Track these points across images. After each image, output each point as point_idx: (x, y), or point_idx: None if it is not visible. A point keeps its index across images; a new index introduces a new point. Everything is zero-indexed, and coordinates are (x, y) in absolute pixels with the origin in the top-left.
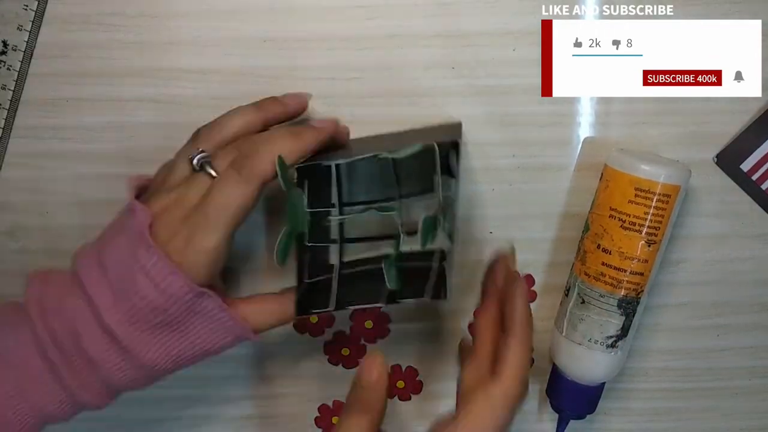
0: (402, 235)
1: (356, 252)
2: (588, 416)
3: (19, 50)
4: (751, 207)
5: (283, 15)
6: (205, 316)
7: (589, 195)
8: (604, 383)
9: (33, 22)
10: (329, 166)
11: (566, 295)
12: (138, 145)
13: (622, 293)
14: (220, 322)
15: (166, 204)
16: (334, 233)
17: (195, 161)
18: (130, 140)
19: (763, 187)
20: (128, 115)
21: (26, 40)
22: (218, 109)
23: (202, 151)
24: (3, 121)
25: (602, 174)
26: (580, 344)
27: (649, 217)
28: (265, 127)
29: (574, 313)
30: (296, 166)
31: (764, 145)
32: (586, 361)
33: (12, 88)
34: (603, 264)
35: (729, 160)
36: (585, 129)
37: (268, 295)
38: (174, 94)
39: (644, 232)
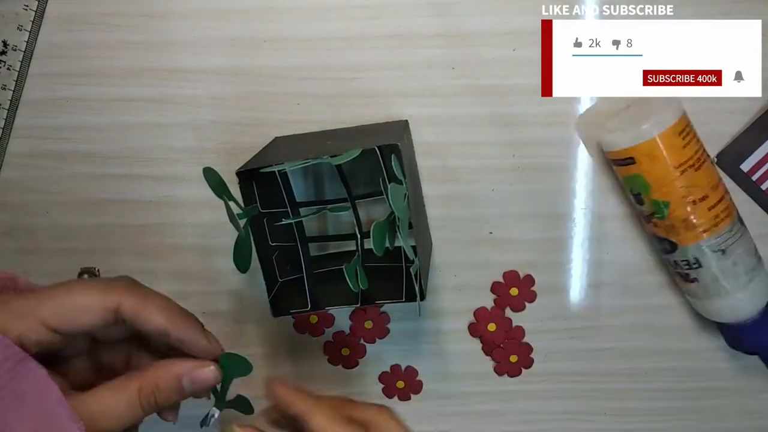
0: (360, 237)
1: (325, 250)
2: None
3: (19, 50)
4: (751, 207)
5: (283, 15)
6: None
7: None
8: None
9: (33, 22)
10: (272, 172)
11: (690, 280)
12: (138, 145)
13: (735, 213)
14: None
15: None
16: (295, 232)
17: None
18: (130, 140)
19: (763, 187)
20: (128, 115)
21: (26, 40)
22: (218, 109)
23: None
24: (3, 121)
25: (630, 158)
26: (750, 281)
27: (702, 142)
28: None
29: (724, 268)
30: (236, 171)
31: (764, 145)
32: (754, 297)
33: (12, 88)
34: (710, 209)
35: (729, 160)
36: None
37: (107, 385)
38: (174, 94)
39: (706, 156)
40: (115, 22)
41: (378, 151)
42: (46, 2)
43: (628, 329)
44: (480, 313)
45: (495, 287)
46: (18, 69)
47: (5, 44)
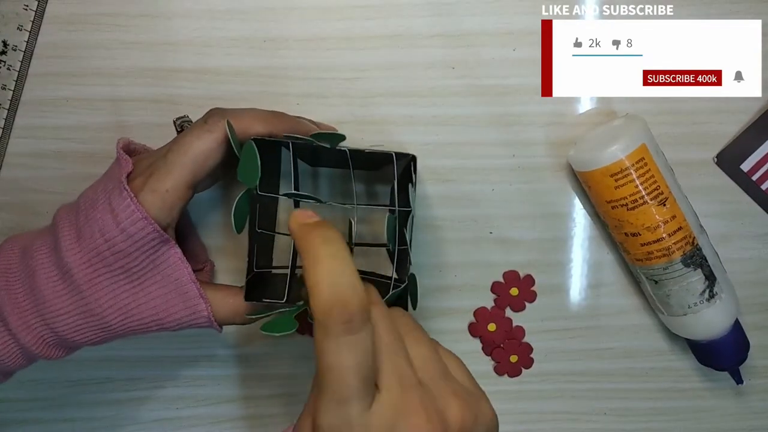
0: (354, 230)
1: None
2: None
3: (19, 50)
4: (751, 207)
5: (283, 15)
6: (163, 273)
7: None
8: (736, 319)
9: (33, 22)
10: (285, 143)
11: (638, 284)
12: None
13: (679, 255)
14: (176, 285)
15: (145, 158)
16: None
17: (177, 123)
18: None
19: (763, 187)
20: (128, 115)
21: (26, 40)
22: None
23: (185, 116)
24: (3, 121)
25: (578, 178)
26: (685, 314)
27: (640, 186)
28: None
29: (657, 294)
30: (252, 138)
31: (764, 145)
32: (703, 323)
33: (12, 88)
34: (642, 245)
35: (729, 160)
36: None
37: (236, 287)
38: (174, 94)
39: (648, 199)
40: (115, 22)
41: (394, 159)
42: (46, 2)
43: (628, 329)
44: (480, 313)
45: (495, 287)
46: (18, 69)
47: (5, 44)
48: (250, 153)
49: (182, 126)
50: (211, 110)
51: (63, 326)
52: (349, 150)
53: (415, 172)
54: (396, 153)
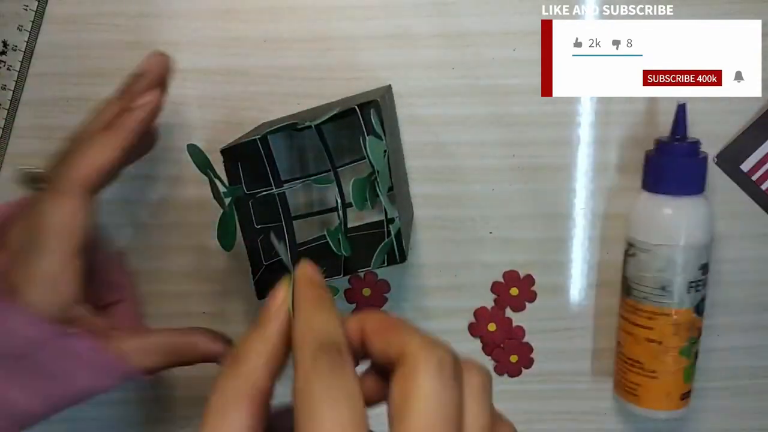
0: (339, 203)
1: (309, 228)
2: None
3: (19, 50)
4: (751, 207)
5: (283, 15)
6: (69, 356)
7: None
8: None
9: (33, 22)
10: (254, 141)
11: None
12: None
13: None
14: (86, 361)
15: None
16: (280, 211)
17: (25, 177)
18: None
19: (763, 187)
20: None
21: (26, 40)
22: (218, 109)
23: (32, 168)
24: (3, 121)
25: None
26: None
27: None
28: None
29: None
30: (220, 149)
31: (764, 145)
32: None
33: (12, 88)
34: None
35: (729, 160)
36: (585, 129)
37: (159, 328)
38: (174, 94)
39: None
40: (115, 22)
41: (358, 111)
42: (46, 2)
43: None
44: (480, 313)
45: (495, 287)
46: (18, 69)
47: (5, 44)
48: (224, 219)
49: (34, 181)
50: (53, 166)
51: None
52: (315, 125)
53: (381, 120)
54: (359, 105)
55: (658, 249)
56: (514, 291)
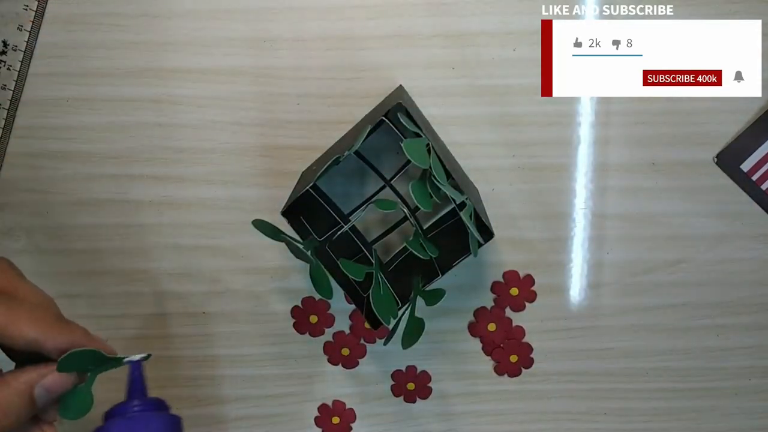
0: (408, 211)
1: (392, 246)
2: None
3: (19, 50)
4: (751, 207)
5: (283, 15)
6: None
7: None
8: None
9: (33, 22)
10: (308, 192)
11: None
12: (138, 145)
13: None
14: None
15: None
16: (357, 242)
17: None
18: (130, 140)
19: (763, 187)
20: (128, 115)
21: (26, 40)
22: (218, 109)
23: None
24: (3, 121)
25: None
26: None
27: None
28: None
29: None
30: (281, 211)
31: (764, 145)
32: None
33: (12, 88)
34: None
35: (729, 160)
36: (585, 129)
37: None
38: (174, 94)
39: None
40: (115, 22)
41: (388, 121)
42: (46, 2)
43: (628, 329)
44: (480, 313)
45: (495, 287)
46: (18, 69)
47: (5, 44)
48: (315, 272)
49: None
50: None
51: None
52: (355, 153)
53: (411, 118)
54: (382, 118)
55: None
56: (514, 291)
